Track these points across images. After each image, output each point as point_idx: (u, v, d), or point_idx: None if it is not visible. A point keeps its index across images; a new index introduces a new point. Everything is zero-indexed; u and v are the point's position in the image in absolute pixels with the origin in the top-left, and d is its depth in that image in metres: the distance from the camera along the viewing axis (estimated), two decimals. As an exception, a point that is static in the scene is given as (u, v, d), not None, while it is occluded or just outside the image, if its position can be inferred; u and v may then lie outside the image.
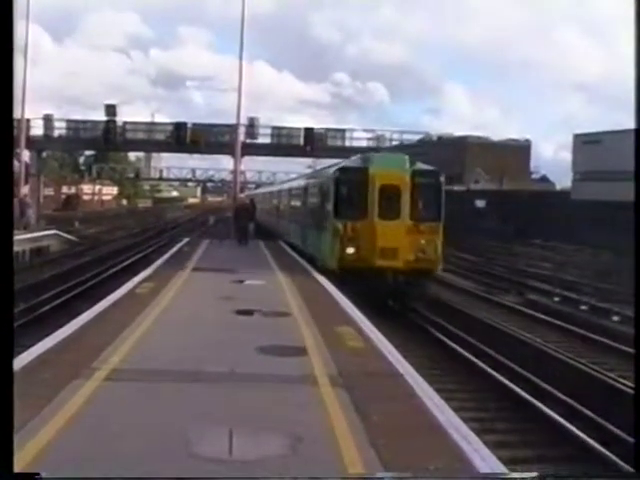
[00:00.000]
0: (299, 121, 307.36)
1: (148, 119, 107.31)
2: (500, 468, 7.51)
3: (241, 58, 50.66)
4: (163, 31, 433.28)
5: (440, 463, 7.98)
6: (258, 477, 7.48)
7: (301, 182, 39.86)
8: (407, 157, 28.07)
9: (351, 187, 27.27)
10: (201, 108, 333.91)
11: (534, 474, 7.21)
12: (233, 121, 56.12)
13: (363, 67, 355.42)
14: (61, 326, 15.00)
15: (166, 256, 33.64)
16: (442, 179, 27.76)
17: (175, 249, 37.60)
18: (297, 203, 39.39)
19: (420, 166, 27.81)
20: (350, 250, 26.38)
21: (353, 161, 29.70)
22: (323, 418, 9.48)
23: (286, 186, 48.65)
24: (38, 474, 3.51)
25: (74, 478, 6.25)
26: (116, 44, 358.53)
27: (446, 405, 10.23)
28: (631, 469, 9.22)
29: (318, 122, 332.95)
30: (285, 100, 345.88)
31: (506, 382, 16.49)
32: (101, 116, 76.81)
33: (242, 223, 41.94)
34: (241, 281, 23.66)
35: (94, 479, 6.70)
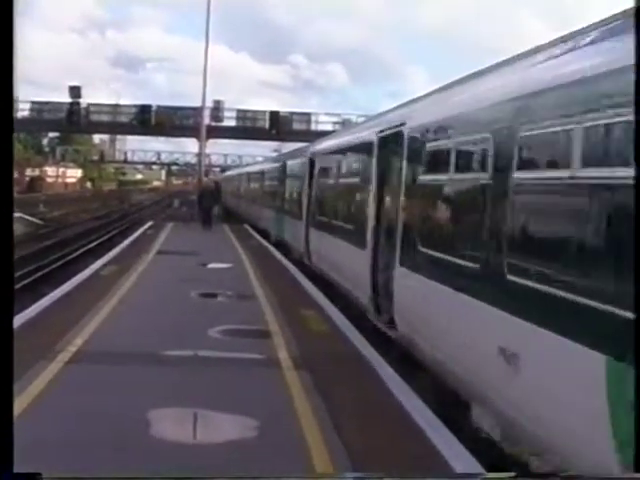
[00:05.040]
0: (261, 104, 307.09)
1: (111, 101, 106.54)
2: (476, 467, 7.54)
3: (207, 39, 50.40)
4: (118, 12, 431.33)
5: (406, 451, 8.06)
6: (220, 461, 7.48)
7: None
8: None
9: None
10: (163, 90, 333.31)
11: (511, 474, 7.23)
12: (196, 104, 55.98)
13: (320, 49, 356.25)
14: (24, 309, 14.89)
15: (130, 239, 33.55)
16: None
17: (139, 232, 37.49)
18: None
19: None
20: None
21: None
22: (286, 401, 9.51)
23: None
24: (39, 474, 3.48)
25: (75, 478, 6.22)
26: (73, 25, 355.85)
27: (409, 389, 10.28)
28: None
29: (280, 105, 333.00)
30: (246, 82, 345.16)
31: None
32: (61, 97, 76.06)
33: (206, 206, 41.86)
34: (205, 264, 23.63)
35: (95, 479, 6.68)
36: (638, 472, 4.45)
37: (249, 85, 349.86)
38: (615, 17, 6.86)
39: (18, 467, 3.43)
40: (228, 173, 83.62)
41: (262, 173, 43.74)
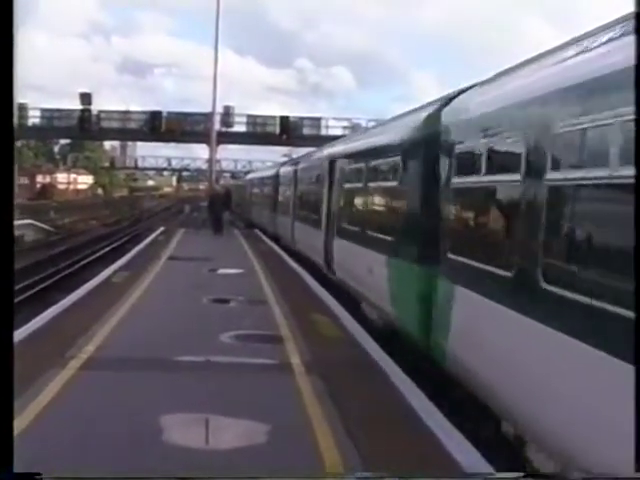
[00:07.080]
0: (269, 108, 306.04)
1: (120, 107, 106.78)
2: (486, 467, 7.52)
3: (217, 44, 50.38)
4: (125, 18, 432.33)
5: (416, 451, 8.03)
6: (233, 466, 7.47)
7: None
8: None
9: None
10: (171, 96, 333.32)
11: (520, 474, 7.21)
12: (204, 109, 55.99)
13: (326, 53, 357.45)
14: (36, 315, 14.92)
15: (142, 245, 33.61)
16: None
17: (150, 238, 37.54)
18: None
19: None
20: None
21: None
22: (298, 406, 9.50)
23: None
24: (39, 474, 3.48)
25: (75, 478, 6.22)
26: (80, 32, 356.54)
27: (420, 392, 10.26)
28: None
29: (288, 109, 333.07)
30: (254, 88, 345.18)
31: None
32: (69, 104, 76.29)
33: (217, 212, 41.87)
34: (217, 270, 23.64)
35: (96, 479, 6.69)
36: (638, 472, 4.42)
37: (257, 90, 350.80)
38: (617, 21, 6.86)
39: (18, 467, 3.43)
40: (250, 176, 73.33)
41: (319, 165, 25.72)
